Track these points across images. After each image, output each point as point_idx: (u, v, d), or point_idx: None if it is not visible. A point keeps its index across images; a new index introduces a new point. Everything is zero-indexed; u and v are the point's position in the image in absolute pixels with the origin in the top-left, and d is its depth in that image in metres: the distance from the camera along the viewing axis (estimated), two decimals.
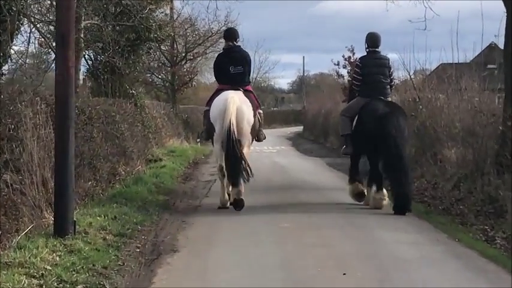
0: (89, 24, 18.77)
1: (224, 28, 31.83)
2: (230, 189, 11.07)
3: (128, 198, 11.28)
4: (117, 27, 20.14)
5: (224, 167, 10.91)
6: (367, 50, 11.89)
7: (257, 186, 12.79)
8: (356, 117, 11.48)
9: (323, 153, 25.89)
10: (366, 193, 11.75)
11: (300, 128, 52.50)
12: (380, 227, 9.61)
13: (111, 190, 12.06)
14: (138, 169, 15.98)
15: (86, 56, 20.58)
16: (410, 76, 18.84)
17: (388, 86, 11.79)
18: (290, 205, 11.73)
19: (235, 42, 11.83)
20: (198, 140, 31.26)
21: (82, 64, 19.69)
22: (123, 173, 14.67)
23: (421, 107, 17.27)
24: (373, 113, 11.10)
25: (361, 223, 9.93)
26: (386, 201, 11.24)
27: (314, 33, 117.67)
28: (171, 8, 28.69)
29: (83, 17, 17.89)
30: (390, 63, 11.99)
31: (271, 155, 26.60)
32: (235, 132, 10.63)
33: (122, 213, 9.89)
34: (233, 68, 11.56)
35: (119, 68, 19.74)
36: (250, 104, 11.22)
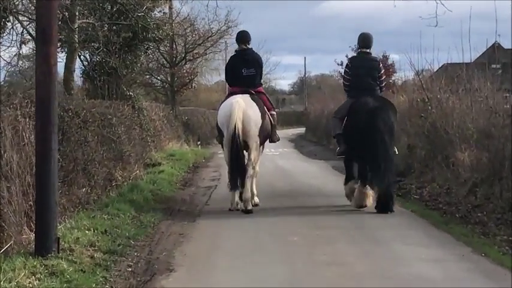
0: (83, 24, 18.11)
1: (224, 28, 31.59)
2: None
3: (122, 209, 10.48)
4: (114, 27, 19.50)
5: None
6: (358, 50, 11.96)
7: (261, 193, 12.39)
8: (346, 117, 11.47)
9: (327, 156, 24.98)
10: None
11: (302, 130, 51.77)
12: (398, 240, 8.77)
13: (106, 198, 11.28)
14: (135, 174, 15.42)
15: (82, 57, 20.02)
16: (418, 75, 17.97)
17: (378, 88, 11.72)
18: (297, 214, 10.92)
19: (247, 45, 11.98)
20: (199, 142, 30.68)
21: (77, 66, 19.22)
22: (119, 178, 14.17)
23: (430, 107, 16.52)
24: (363, 107, 11.07)
25: (377, 236, 9.10)
26: (370, 199, 11.23)
27: (315, 35, 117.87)
28: (170, 7, 27.98)
29: (77, 16, 17.22)
30: (380, 65, 12.00)
31: (274, 157, 25.79)
32: (240, 137, 10.77)
33: (114, 226, 9.13)
34: (245, 70, 11.71)
35: (116, 69, 19.11)
36: (257, 106, 11.26)
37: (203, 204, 12.32)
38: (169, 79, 31.98)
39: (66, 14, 17.42)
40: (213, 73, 47.70)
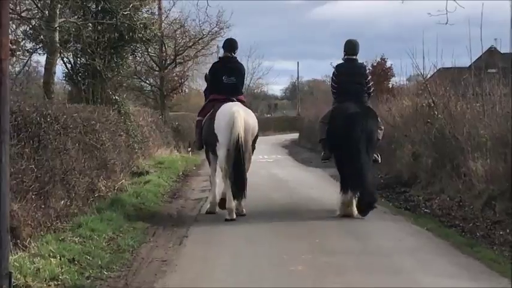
0: (65, 24, 16.99)
1: (216, 29, 30.51)
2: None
3: (97, 229, 9.11)
4: (99, 27, 18.41)
5: (229, 176, 10.92)
6: (345, 57, 11.88)
7: (257, 206, 11.68)
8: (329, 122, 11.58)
9: (323, 163, 23.84)
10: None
11: (295, 135, 50.70)
12: (420, 269, 7.46)
13: (81, 218, 9.88)
14: (121, 183, 14.47)
15: (65, 59, 18.93)
16: (423, 77, 16.87)
17: (366, 94, 11.72)
18: (299, 234, 9.60)
19: (233, 53, 11.97)
20: (189, 149, 29.59)
21: (60, 68, 18.18)
22: (103, 188, 13.22)
23: (436, 112, 15.44)
24: (342, 113, 11.19)
25: (396, 264, 7.79)
26: (353, 206, 11.08)
27: (307, 40, 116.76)
28: (159, 7, 26.82)
29: (57, 15, 16.10)
30: (367, 71, 12.18)
31: (268, 165, 24.63)
32: (243, 146, 10.76)
33: (85, 252, 7.79)
34: (226, 78, 11.65)
35: (100, 71, 18.01)
36: (254, 115, 11.39)
37: (192, 221, 11.04)
38: (158, 83, 30.78)
39: (46, 12, 16.39)
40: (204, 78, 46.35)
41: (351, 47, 11.87)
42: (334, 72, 12.03)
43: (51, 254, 7.32)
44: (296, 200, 13.51)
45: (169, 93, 30.34)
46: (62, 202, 10.43)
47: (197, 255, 8.28)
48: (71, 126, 12.16)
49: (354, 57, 11.87)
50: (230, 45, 12.03)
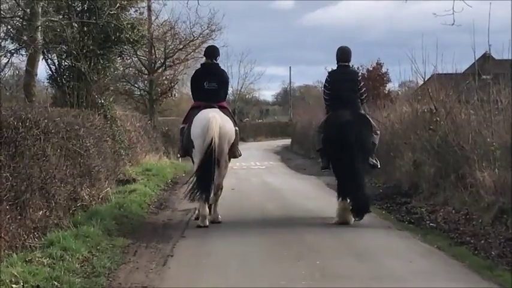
0: (49, 23, 16.15)
1: (207, 32, 29.69)
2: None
3: (70, 248, 8.10)
4: (85, 28, 17.57)
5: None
6: (337, 64, 11.86)
7: (250, 219, 11.05)
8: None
9: (317, 171, 22.83)
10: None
11: (287, 141, 49.99)
12: None
13: (50, 237, 8.85)
14: (106, 191, 13.73)
15: (49, 60, 18.09)
16: (424, 82, 16.08)
17: (359, 100, 11.69)
18: (296, 255, 8.55)
19: (215, 60, 12.00)
20: (179, 155, 28.73)
21: (44, 70, 17.42)
22: (86, 197, 12.49)
23: (438, 119, 14.66)
24: (336, 121, 11.22)
25: None
26: (349, 214, 11.01)
27: (299, 46, 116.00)
28: (149, 8, 25.96)
29: (40, 13, 15.24)
30: (360, 78, 12.16)
31: (260, 172, 23.85)
32: (216, 152, 10.76)
33: (53, 277, 6.76)
34: (207, 84, 11.66)
35: (85, 74, 17.18)
36: (231, 122, 11.40)
37: (178, 236, 10.01)
38: (147, 86, 29.87)
39: (28, 10, 15.55)
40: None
41: (343, 54, 11.87)
42: (326, 79, 12.01)
43: (13, 280, 6.36)
44: (291, 211, 12.64)
45: (158, 97, 29.43)
46: (41, 212, 9.70)
47: (182, 280, 7.32)
48: (53, 131, 11.47)
49: (347, 64, 11.91)
50: (211, 51, 12.14)
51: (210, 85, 11.67)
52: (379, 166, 11.97)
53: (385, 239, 9.76)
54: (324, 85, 12.17)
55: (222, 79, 11.99)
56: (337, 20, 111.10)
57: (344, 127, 11.00)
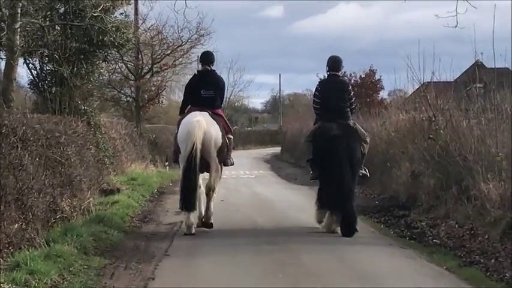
0: (29, 26, 15.38)
1: (196, 36, 28.99)
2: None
3: (37, 271, 7.13)
4: (68, 30, 16.82)
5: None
6: (328, 73, 11.89)
7: (240, 235, 10.25)
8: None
9: (309, 181, 22.23)
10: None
11: (277, 149, 49.31)
12: None
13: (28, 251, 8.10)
14: (89, 202, 13.04)
15: (30, 64, 17.32)
16: (423, 88, 15.36)
17: (348, 110, 11.65)
18: (294, 279, 7.63)
19: (210, 66, 11.88)
20: (167, 163, 28.03)
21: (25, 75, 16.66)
22: (67, 208, 11.81)
23: (438, 127, 13.96)
24: (325, 134, 11.20)
25: None
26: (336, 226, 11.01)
27: (288, 54, 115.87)
28: (136, 11, 25.19)
29: (19, 14, 14.45)
30: (350, 87, 12.10)
31: (250, 182, 23.08)
32: (197, 158, 10.63)
33: None
34: (205, 92, 11.55)
35: (68, 79, 16.43)
36: (218, 126, 11.21)
37: (161, 255, 9.04)
38: (133, 93, 29.06)
39: (7, 11, 14.76)
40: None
41: (334, 63, 11.86)
42: (317, 87, 11.97)
43: None
44: (285, 226, 11.86)
45: (145, 104, 28.61)
46: (16, 226, 9.05)
47: None
48: (31, 138, 10.93)
49: (337, 73, 11.95)
50: (206, 57, 12.04)
51: (207, 93, 11.56)
52: (368, 175, 11.91)
53: (389, 259, 8.93)
54: (314, 94, 12.14)
55: (220, 87, 11.87)
56: (326, 28, 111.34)
57: (332, 141, 11.01)
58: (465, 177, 12.14)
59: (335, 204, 10.92)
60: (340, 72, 12.29)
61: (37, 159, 10.98)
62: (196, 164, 10.62)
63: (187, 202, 10.69)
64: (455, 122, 13.64)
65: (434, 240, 10.43)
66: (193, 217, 11.02)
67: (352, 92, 12.05)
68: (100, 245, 9.48)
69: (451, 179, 12.79)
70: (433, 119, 14.42)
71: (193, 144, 10.59)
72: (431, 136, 13.93)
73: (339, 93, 11.60)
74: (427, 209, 13.14)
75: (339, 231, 10.89)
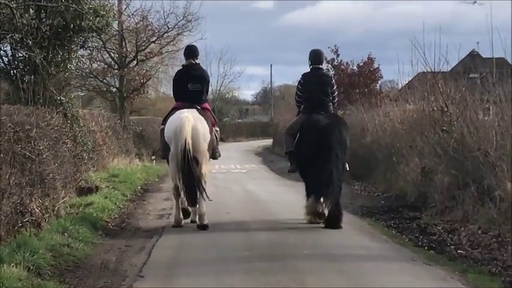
0: None
1: (183, 22, 27.54)
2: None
3: None
4: (42, 13, 15.35)
5: (180, 186, 10.98)
6: (310, 66, 11.92)
7: (230, 248, 8.88)
8: (298, 134, 11.47)
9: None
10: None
11: (268, 141, 48.03)
12: None
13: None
14: (63, 201, 12.15)
15: (1, 51, 15.86)
16: (434, 75, 13.91)
17: (331, 103, 11.72)
18: None
19: (195, 60, 11.95)
20: (153, 157, 26.56)
21: None
22: (37, 210, 10.69)
23: (451, 118, 12.55)
24: (315, 125, 11.18)
25: None
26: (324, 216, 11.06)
27: (277, 46, 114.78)
28: None
29: None
30: (333, 80, 12.15)
31: (241, 177, 21.59)
32: (191, 152, 10.64)
33: None
34: (191, 86, 11.64)
35: (41, 66, 14.96)
36: (205, 121, 11.23)
37: (135, 275, 7.43)
38: (117, 83, 27.46)
39: None
40: (172, 80, 43.36)
41: (316, 56, 11.92)
42: (299, 81, 12.04)
43: None
44: (282, 234, 10.22)
45: (129, 95, 27.00)
46: None
47: None
48: None
49: (320, 66, 11.95)
50: (191, 51, 12.06)
51: (194, 86, 11.64)
52: (347, 168, 11.74)
53: (418, 282, 7.23)
54: (297, 87, 12.20)
55: (206, 80, 11.94)
56: (316, 20, 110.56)
57: (324, 130, 11.01)
58: (486, 175, 10.73)
59: (323, 191, 10.95)
60: (323, 65, 12.28)
61: (2, 155, 9.87)
62: (190, 158, 10.57)
63: (193, 199, 10.82)
64: (470, 112, 12.24)
65: (459, 251, 8.93)
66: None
67: (335, 86, 12.03)
68: (59, 263, 7.81)
69: (468, 177, 11.40)
70: (446, 109, 13.00)
71: (185, 140, 10.56)
72: (444, 128, 12.50)
73: (321, 86, 11.67)
74: (441, 210, 11.76)
75: (323, 219, 11.02)
